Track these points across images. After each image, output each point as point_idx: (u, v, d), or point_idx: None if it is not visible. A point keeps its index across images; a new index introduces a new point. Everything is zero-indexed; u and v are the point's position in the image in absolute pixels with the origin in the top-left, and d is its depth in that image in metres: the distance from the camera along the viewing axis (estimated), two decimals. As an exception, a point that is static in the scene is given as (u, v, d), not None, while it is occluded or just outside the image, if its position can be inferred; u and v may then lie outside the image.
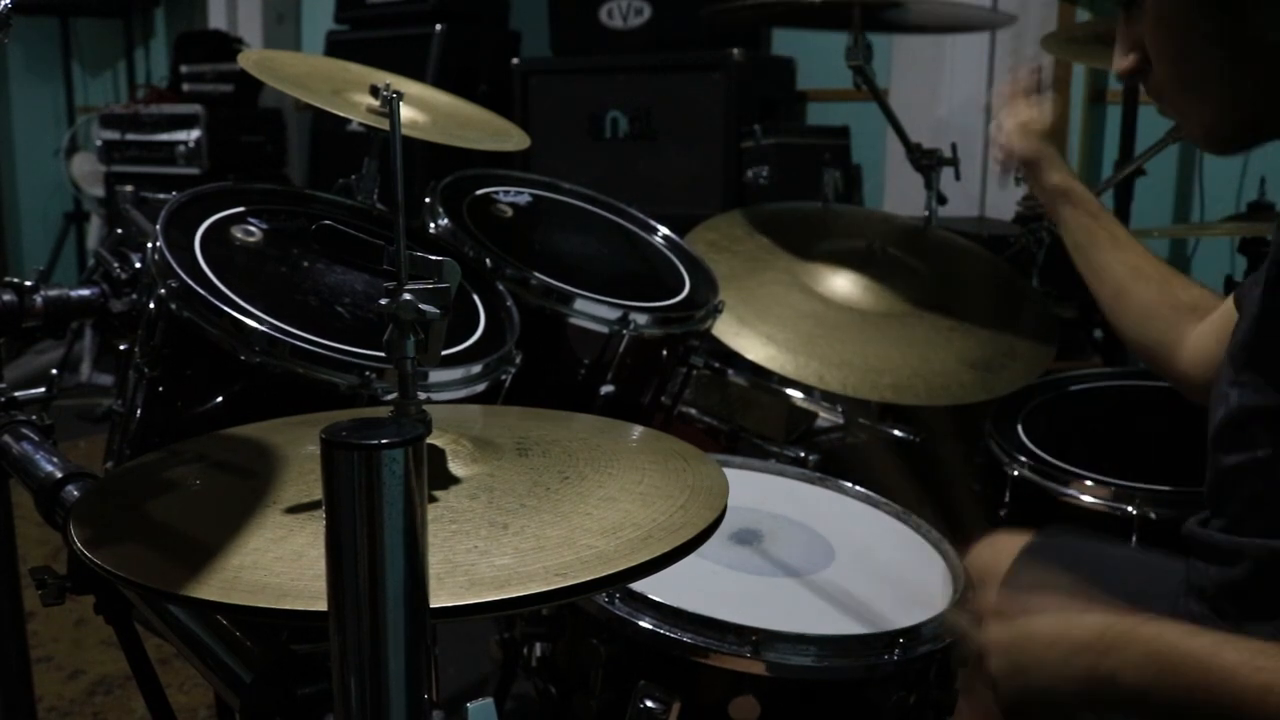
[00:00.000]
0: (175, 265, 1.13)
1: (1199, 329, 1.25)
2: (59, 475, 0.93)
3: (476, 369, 1.20)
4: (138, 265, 1.24)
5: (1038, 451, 1.51)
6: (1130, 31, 1.02)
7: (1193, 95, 0.99)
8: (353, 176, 1.47)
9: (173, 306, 1.13)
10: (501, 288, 1.36)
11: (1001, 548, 1.33)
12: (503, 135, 1.58)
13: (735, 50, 2.98)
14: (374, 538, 0.50)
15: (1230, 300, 1.20)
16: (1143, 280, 1.33)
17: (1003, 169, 1.53)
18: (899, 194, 3.02)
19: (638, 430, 0.88)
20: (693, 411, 1.77)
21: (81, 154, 4.64)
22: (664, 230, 1.69)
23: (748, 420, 1.83)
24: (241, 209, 1.30)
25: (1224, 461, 1.02)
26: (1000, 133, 1.51)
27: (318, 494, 0.58)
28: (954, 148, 1.95)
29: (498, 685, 1.23)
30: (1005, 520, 1.48)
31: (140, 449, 1.20)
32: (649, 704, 0.94)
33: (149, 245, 1.19)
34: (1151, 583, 1.18)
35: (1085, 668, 0.89)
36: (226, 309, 1.10)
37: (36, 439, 1.04)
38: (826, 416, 1.80)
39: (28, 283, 1.19)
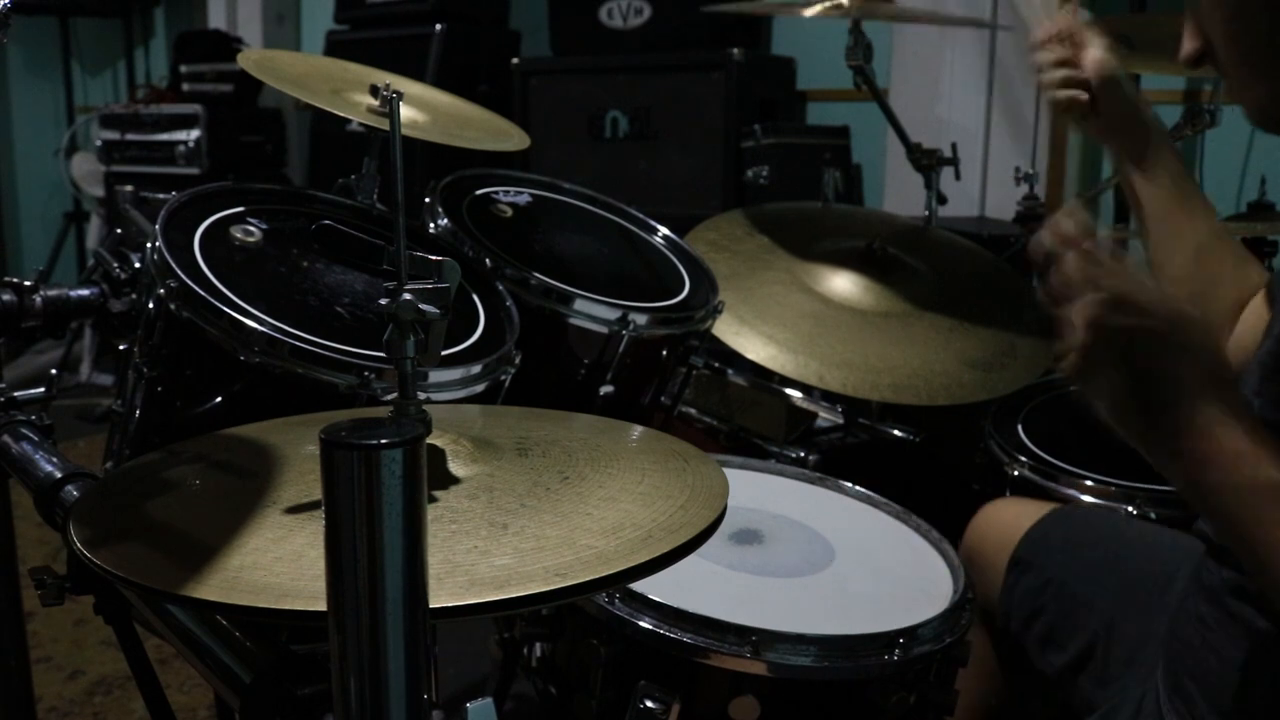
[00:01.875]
0: (175, 265, 1.13)
1: (1244, 316, 1.18)
2: (59, 475, 0.93)
3: (476, 369, 1.20)
4: (137, 265, 1.24)
5: (1038, 451, 1.51)
6: (1195, 18, 1.02)
7: (1248, 73, 0.98)
8: (353, 176, 1.47)
9: (172, 306, 1.13)
10: (501, 288, 1.36)
11: (1004, 518, 1.32)
12: (503, 135, 1.58)
13: (735, 50, 2.98)
14: (374, 538, 0.50)
15: (1263, 293, 1.14)
16: (1223, 245, 1.20)
17: (1080, 103, 1.23)
18: (899, 194, 3.02)
19: (638, 430, 0.88)
20: (693, 411, 1.77)
21: (81, 154, 4.64)
22: (664, 230, 1.69)
23: (748, 420, 1.83)
24: (241, 209, 1.30)
25: None
26: (1077, 52, 1.24)
27: (318, 494, 0.58)
28: (954, 148, 1.95)
29: (498, 685, 1.23)
30: (1005, 520, 1.48)
31: (140, 449, 1.20)
32: (649, 704, 0.94)
33: (148, 245, 1.19)
34: (1171, 557, 1.17)
35: (1195, 378, 0.80)
36: (226, 309, 1.10)
37: (36, 439, 1.04)
38: (826, 416, 1.80)
39: (27, 283, 1.19)
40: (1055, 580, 1.22)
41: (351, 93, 1.44)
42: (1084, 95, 1.23)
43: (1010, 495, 1.49)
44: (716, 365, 1.71)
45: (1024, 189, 2.14)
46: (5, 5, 0.93)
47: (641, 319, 1.42)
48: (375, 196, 1.47)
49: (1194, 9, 1.01)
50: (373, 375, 1.10)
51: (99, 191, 4.37)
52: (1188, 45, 1.01)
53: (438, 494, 0.69)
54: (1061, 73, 1.24)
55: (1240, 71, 0.98)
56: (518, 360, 1.25)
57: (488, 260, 1.39)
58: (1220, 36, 0.98)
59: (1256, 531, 0.78)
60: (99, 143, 4.23)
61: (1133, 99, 1.23)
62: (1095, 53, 1.23)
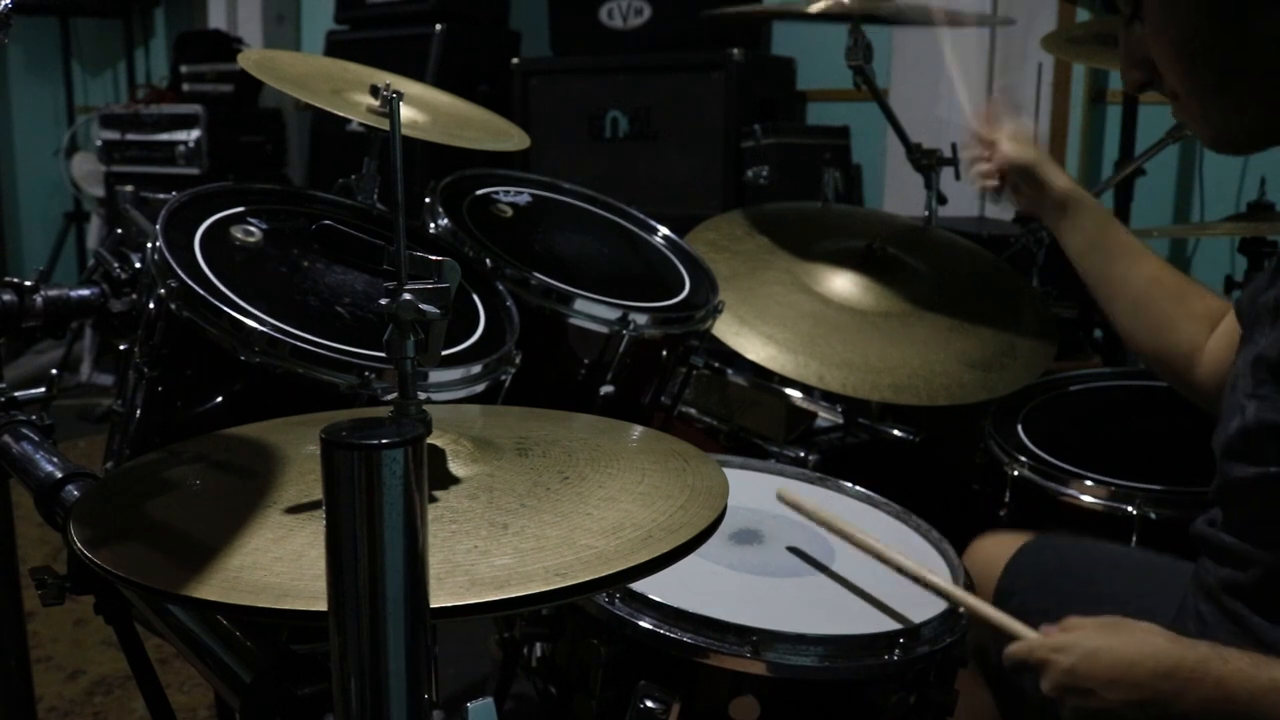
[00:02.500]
0: (175, 265, 1.13)
1: (1213, 339, 1.24)
2: (59, 475, 0.93)
3: (476, 369, 1.20)
4: (138, 265, 1.24)
5: (1038, 451, 1.51)
6: (1133, 44, 1.02)
7: (1202, 101, 0.99)
8: (353, 176, 1.47)
9: (172, 306, 1.13)
10: (501, 288, 1.36)
11: (997, 547, 1.33)
12: (503, 135, 1.58)
13: (735, 50, 2.98)
14: (374, 538, 0.50)
15: (1233, 310, 1.19)
16: (1160, 290, 1.29)
17: (993, 189, 1.46)
18: (899, 194, 3.02)
19: (638, 430, 0.88)
20: (693, 411, 1.77)
21: (81, 154, 4.64)
22: (664, 230, 1.69)
23: (748, 420, 1.83)
24: (241, 209, 1.30)
25: (1234, 472, 1.02)
26: (988, 148, 1.46)
27: (318, 494, 0.58)
28: (954, 148, 1.95)
29: (498, 685, 1.23)
30: (1005, 520, 1.48)
31: (140, 449, 1.20)
32: (649, 704, 0.94)
33: (149, 245, 1.19)
34: (1149, 583, 1.18)
35: (1157, 700, 0.92)
36: (226, 309, 1.10)
37: (36, 439, 1.04)
38: (826, 416, 1.80)
39: (28, 283, 1.19)
40: (1036, 611, 1.23)
41: (351, 93, 1.44)
42: (994, 183, 1.46)
43: (1010, 496, 1.49)
44: (716, 365, 1.71)
45: (1024, 189, 2.14)
46: (5, 5, 0.93)
47: (642, 319, 1.42)
48: (375, 196, 1.47)
49: (1132, 34, 1.01)
50: (373, 375, 1.10)
51: (99, 191, 4.38)
52: (1134, 74, 1.05)
53: (438, 494, 0.69)
54: (977, 166, 1.48)
55: (1194, 101, 0.99)
56: (518, 360, 1.25)
57: (488, 260, 1.39)
58: (1171, 69, 0.99)
59: None
60: (99, 143, 4.23)
61: (1043, 180, 1.40)
62: (1003, 146, 1.43)
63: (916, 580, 1.08)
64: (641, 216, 1.71)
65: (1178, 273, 1.31)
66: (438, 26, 3.52)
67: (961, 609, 1.05)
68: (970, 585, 1.10)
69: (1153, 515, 1.36)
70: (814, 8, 1.73)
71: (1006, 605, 1.25)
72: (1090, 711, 0.95)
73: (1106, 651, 0.95)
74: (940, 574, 1.14)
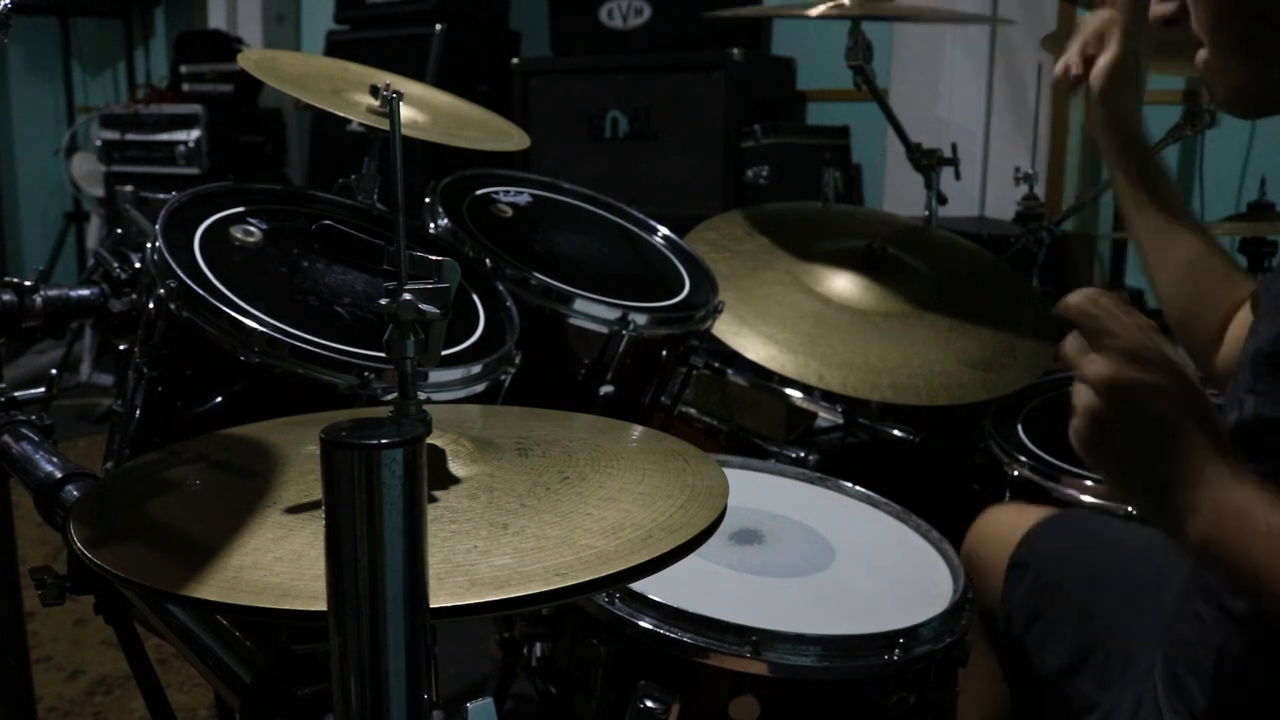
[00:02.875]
0: (175, 265, 1.13)
1: (1231, 327, 1.20)
2: (59, 475, 0.93)
3: (476, 369, 1.20)
4: (137, 265, 1.24)
5: (1038, 451, 1.51)
6: None
7: (1225, 54, 0.97)
8: (353, 176, 1.47)
9: (172, 306, 1.13)
10: (501, 288, 1.36)
11: (1012, 517, 1.32)
12: (503, 135, 1.58)
13: (735, 50, 2.98)
14: (374, 538, 0.50)
15: (1249, 301, 1.17)
16: (1208, 264, 1.21)
17: (1075, 80, 1.26)
18: (899, 194, 3.02)
19: (638, 430, 0.88)
20: (693, 411, 1.77)
21: (81, 154, 4.64)
22: (664, 230, 1.69)
23: (748, 420, 1.83)
24: (241, 209, 1.30)
25: None
26: (1094, 40, 1.26)
27: (318, 494, 0.58)
28: (954, 148, 1.95)
29: (498, 685, 1.23)
30: (1005, 520, 1.48)
31: (140, 449, 1.20)
32: (649, 704, 0.94)
33: (148, 245, 1.19)
34: (1174, 561, 1.17)
35: (1204, 437, 0.81)
36: (226, 309, 1.10)
37: (36, 439, 1.04)
38: (826, 416, 1.80)
39: (28, 283, 1.19)
40: (1053, 583, 1.22)
41: (351, 93, 1.44)
42: (1080, 70, 1.25)
43: (1010, 496, 1.49)
44: (716, 365, 1.72)
45: (1024, 189, 2.14)
46: (5, 5, 0.93)
47: (641, 319, 1.42)
48: (375, 196, 1.47)
49: None
50: (373, 375, 1.10)
51: (99, 191, 4.37)
52: (1161, 6, 1.01)
53: (438, 494, 0.69)
54: (1076, 54, 1.27)
55: (1217, 52, 0.97)
56: (518, 360, 1.25)
57: (488, 260, 1.39)
58: (1202, 13, 0.96)
59: (1276, 577, 0.77)
60: (99, 143, 4.23)
61: (1137, 104, 1.24)
62: (1114, 48, 1.23)
63: None
64: (641, 216, 1.71)
65: (1226, 253, 1.24)
66: (438, 26, 3.51)
67: None
68: (970, 586, 1.10)
69: (1153, 515, 1.36)
70: (814, 11, 1.73)
71: (1022, 578, 1.25)
72: (1128, 385, 0.82)
73: (1179, 368, 0.83)
74: (938, 573, 1.14)
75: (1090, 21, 1.28)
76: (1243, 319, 1.19)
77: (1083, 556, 1.23)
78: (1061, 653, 1.19)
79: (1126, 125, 1.25)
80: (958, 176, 1.96)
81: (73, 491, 0.91)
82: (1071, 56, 1.27)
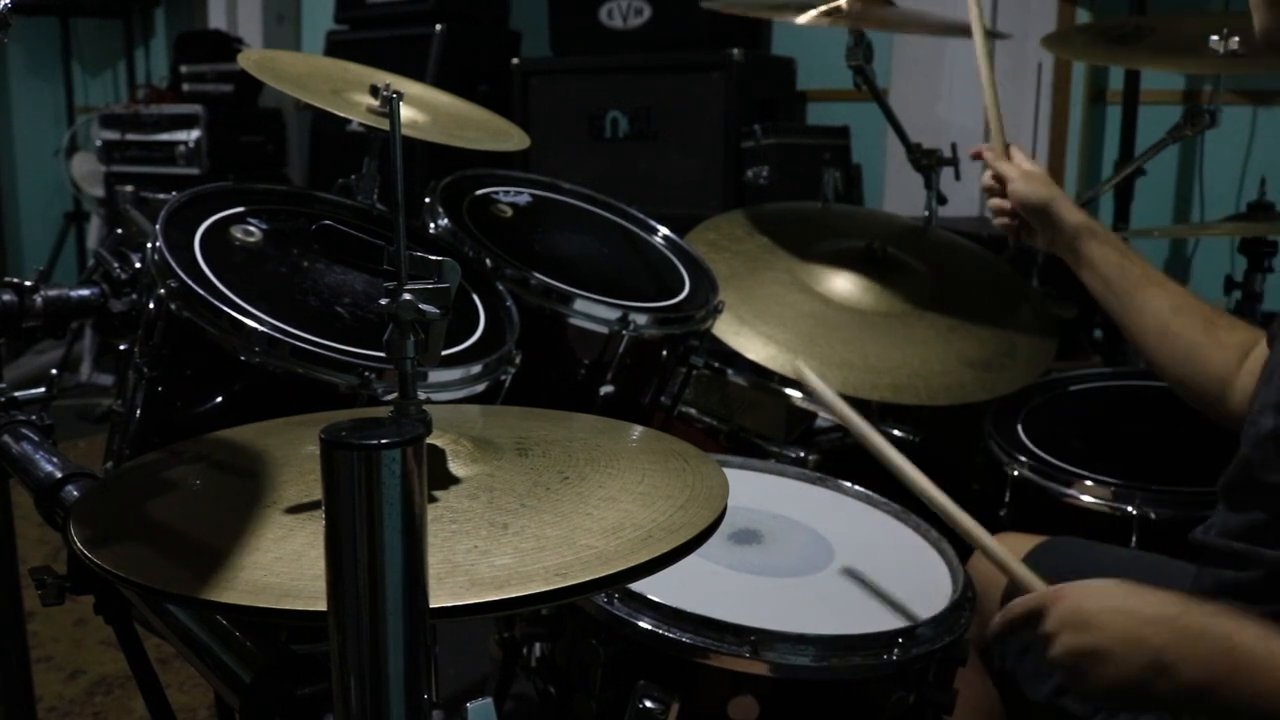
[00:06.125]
0: (175, 265, 1.13)
1: (1245, 367, 1.22)
2: (59, 475, 0.93)
3: (476, 369, 1.20)
4: (138, 265, 1.24)
5: (1038, 451, 1.51)
6: None
7: None
8: (353, 176, 1.47)
9: (172, 306, 1.13)
10: (501, 288, 1.36)
11: (1004, 548, 1.33)
12: (503, 135, 1.58)
13: (735, 50, 2.98)
14: (374, 538, 0.50)
15: (1266, 338, 1.17)
16: (1186, 317, 1.28)
17: (1011, 229, 1.48)
18: (899, 194, 3.02)
19: (638, 430, 0.88)
20: (693, 411, 1.77)
21: (81, 154, 4.64)
22: (664, 230, 1.69)
23: (748, 420, 1.83)
24: (241, 209, 1.30)
25: (1263, 473, 1.01)
26: (1004, 186, 1.47)
27: (318, 494, 0.58)
28: (954, 148, 1.95)
29: (498, 685, 1.23)
30: (1005, 520, 1.48)
31: (140, 449, 1.20)
32: (648, 704, 0.94)
33: (149, 245, 1.19)
34: (1156, 584, 1.18)
35: (1153, 648, 0.88)
36: (226, 309, 1.10)
37: (36, 439, 1.04)
38: (826, 416, 1.80)
39: (28, 283, 1.19)
40: None
41: (351, 93, 1.44)
42: (1013, 222, 1.47)
43: (1010, 496, 1.49)
44: (716, 365, 1.71)
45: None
46: (5, 5, 0.93)
47: (641, 319, 1.42)
48: (375, 196, 1.47)
49: None
50: (373, 375, 1.10)
51: (99, 191, 4.38)
52: (1003, 220, 1.06)
53: (438, 494, 0.69)
54: (994, 203, 1.49)
55: None
56: (518, 360, 1.25)
57: (488, 260, 1.39)
58: None
59: None
60: (99, 143, 4.23)
61: (1056, 218, 1.40)
62: (1016, 186, 1.44)
63: (947, 517, 1.08)
64: (641, 216, 1.72)
65: (1204, 302, 1.30)
66: (438, 26, 3.51)
67: (986, 552, 1.06)
68: (970, 584, 1.10)
69: (1153, 515, 1.36)
70: (803, 19, 1.73)
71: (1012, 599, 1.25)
72: (1084, 650, 0.92)
73: (1116, 595, 0.93)
74: (938, 574, 1.14)
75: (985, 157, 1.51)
76: (1258, 358, 1.19)
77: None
78: (1051, 677, 1.19)
79: (1065, 231, 1.40)
80: (958, 176, 1.95)
81: (73, 491, 0.92)
82: (994, 211, 1.50)
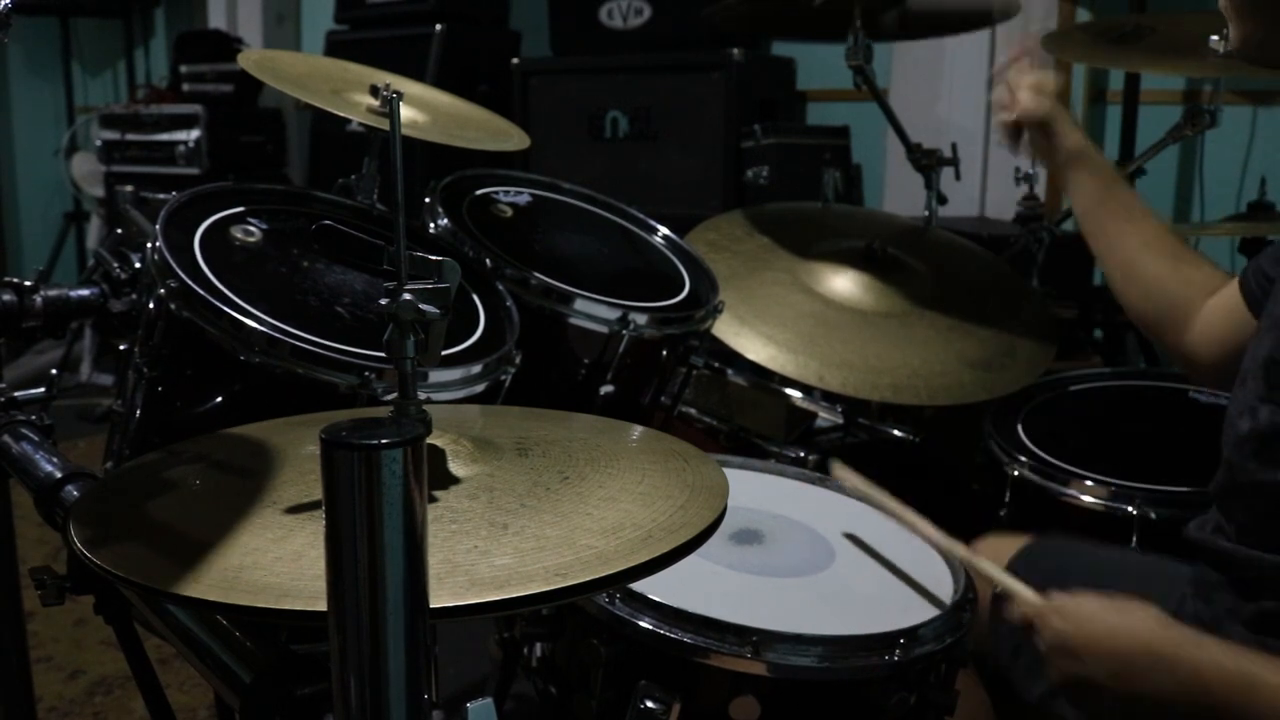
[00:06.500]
0: (175, 265, 1.13)
1: (1207, 306, 1.24)
2: (59, 475, 0.93)
3: (476, 369, 1.20)
4: (137, 265, 1.24)
5: (1038, 451, 1.51)
6: None
7: (1244, 6, 1.00)
8: (353, 176, 1.47)
9: (172, 306, 1.13)
10: (501, 288, 1.36)
11: (996, 548, 1.33)
12: (503, 135, 1.58)
13: (735, 50, 2.98)
14: (374, 538, 0.50)
15: (1236, 283, 1.19)
16: (1153, 253, 1.30)
17: (1010, 137, 1.47)
18: (899, 194, 3.02)
19: (638, 430, 0.88)
20: (693, 411, 1.77)
21: (81, 154, 4.64)
22: (664, 230, 1.69)
23: (748, 420, 1.83)
24: (241, 209, 1.30)
25: (1245, 474, 1.02)
26: (1009, 95, 1.46)
27: (318, 494, 0.58)
28: (954, 148, 1.95)
29: (498, 685, 1.23)
30: (1005, 520, 1.48)
31: (140, 449, 1.20)
32: (649, 704, 0.94)
33: (149, 245, 1.19)
34: (1150, 585, 1.18)
35: (1134, 673, 0.94)
36: (226, 309, 1.10)
37: (36, 439, 1.04)
38: (826, 416, 1.80)
39: (28, 283, 1.19)
40: None
41: (351, 93, 1.44)
42: (1013, 134, 1.47)
43: (1010, 496, 1.48)
44: (716, 365, 1.71)
45: (1024, 189, 2.14)
46: (5, 5, 0.93)
47: (642, 319, 1.42)
48: (375, 196, 1.47)
49: None
50: (373, 375, 1.10)
51: (99, 191, 4.38)
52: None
53: (438, 494, 0.69)
54: (999, 115, 1.49)
55: (1235, 2, 1.00)
56: (518, 360, 1.25)
57: (488, 260, 1.39)
58: None
59: None
60: (99, 143, 4.23)
61: (1056, 134, 1.41)
62: (1021, 97, 1.43)
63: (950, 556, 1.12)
64: (641, 216, 1.71)
65: (1177, 239, 1.32)
66: (438, 26, 3.51)
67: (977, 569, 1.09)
68: (969, 582, 1.10)
69: (1153, 515, 1.36)
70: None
71: (1005, 606, 1.26)
72: (1076, 677, 0.98)
73: (1099, 621, 0.98)
74: (938, 573, 1.14)
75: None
76: (1222, 304, 1.20)
77: (1060, 585, 1.24)
78: (1043, 678, 1.19)
79: (1062, 149, 1.40)
80: (958, 176, 1.95)
81: (73, 491, 0.92)
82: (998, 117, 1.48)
